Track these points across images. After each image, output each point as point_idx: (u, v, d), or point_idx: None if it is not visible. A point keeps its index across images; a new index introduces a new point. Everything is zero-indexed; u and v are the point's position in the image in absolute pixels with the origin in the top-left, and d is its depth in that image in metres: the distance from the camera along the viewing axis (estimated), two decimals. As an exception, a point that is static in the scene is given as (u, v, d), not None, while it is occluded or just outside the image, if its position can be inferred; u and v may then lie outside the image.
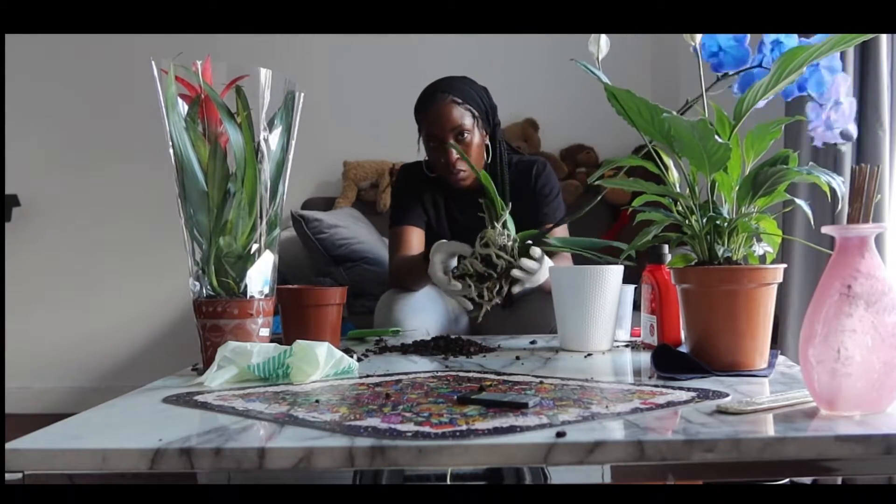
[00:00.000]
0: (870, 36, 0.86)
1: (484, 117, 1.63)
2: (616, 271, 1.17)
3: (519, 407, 0.72)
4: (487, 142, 1.66)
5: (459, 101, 1.59)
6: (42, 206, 2.93)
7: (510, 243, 1.27)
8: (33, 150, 2.93)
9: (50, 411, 2.79)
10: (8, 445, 0.63)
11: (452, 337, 1.31)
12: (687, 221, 0.97)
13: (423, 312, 1.55)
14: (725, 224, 0.94)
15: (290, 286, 1.22)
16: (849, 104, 0.90)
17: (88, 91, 2.95)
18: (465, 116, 1.59)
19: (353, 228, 2.47)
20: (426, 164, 1.71)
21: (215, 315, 0.97)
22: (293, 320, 1.17)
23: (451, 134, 1.59)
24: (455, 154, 1.59)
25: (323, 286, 1.33)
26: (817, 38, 0.86)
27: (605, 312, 1.16)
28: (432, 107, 1.59)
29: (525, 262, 1.26)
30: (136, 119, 2.92)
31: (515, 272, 1.26)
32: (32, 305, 2.94)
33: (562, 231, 1.65)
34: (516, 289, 1.29)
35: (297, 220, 2.44)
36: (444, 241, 1.39)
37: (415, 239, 1.70)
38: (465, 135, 1.59)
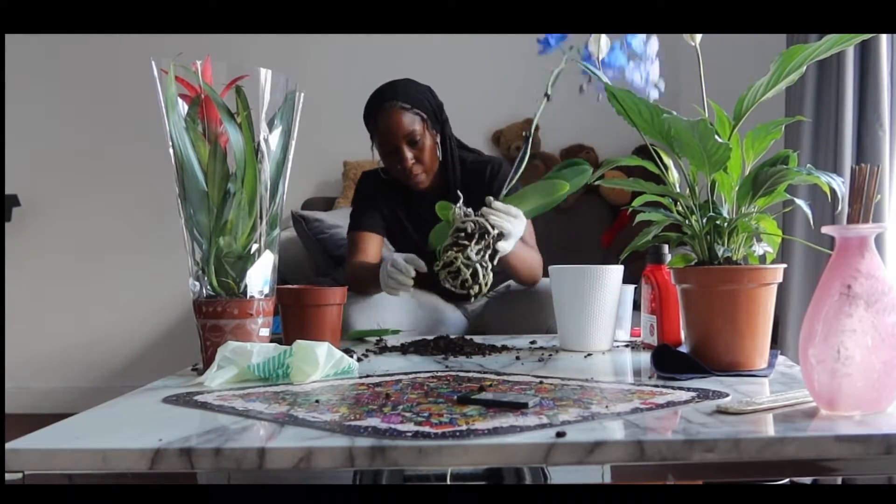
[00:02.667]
0: (869, 35, 0.86)
1: (433, 118, 1.64)
2: (616, 271, 1.17)
3: (519, 407, 0.72)
4: (438, 141, 1.66)
5: (407, 106, 1.59)
6: (42, 206, 2.93)
7: (470, 210, 1.22)
8: (33, 150, 2.93)
9: (50, 411, 2.78)
10: (8, 445, 0.63)
11: (453, 337, 1.31)
12: (687, 221, 0.97)
13: (380, 312, 1.54)
14: (725, 224, 0.94)
15: (291, 286, 1.22)
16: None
17: (88, 91, 2.95)
18: (414, 122, 1.59)
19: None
20: (382, 170, 1.71)
21: (215, 315, 0.97)
22: (293, 320, 1.17)
23: (403, 140, 1.59)
24: (410, 159, 1.61)
25: (322, 286, 1.33)
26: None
27: (604, 312, 1.16)
28: (381, 116, 1.60)
29: (488, 211, 1.22)
30: (136, 119, 2.91)
31: (490, 216, 1.21)
32: (32, 305, 2.94)
33: (529, 228, 1.62)
34: (501, 245, 1.21)
35: (297, 221, 2.44)
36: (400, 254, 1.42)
37: (372, 245, 1.70)
38: (417, 139, 1.60)
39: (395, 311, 1.58)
